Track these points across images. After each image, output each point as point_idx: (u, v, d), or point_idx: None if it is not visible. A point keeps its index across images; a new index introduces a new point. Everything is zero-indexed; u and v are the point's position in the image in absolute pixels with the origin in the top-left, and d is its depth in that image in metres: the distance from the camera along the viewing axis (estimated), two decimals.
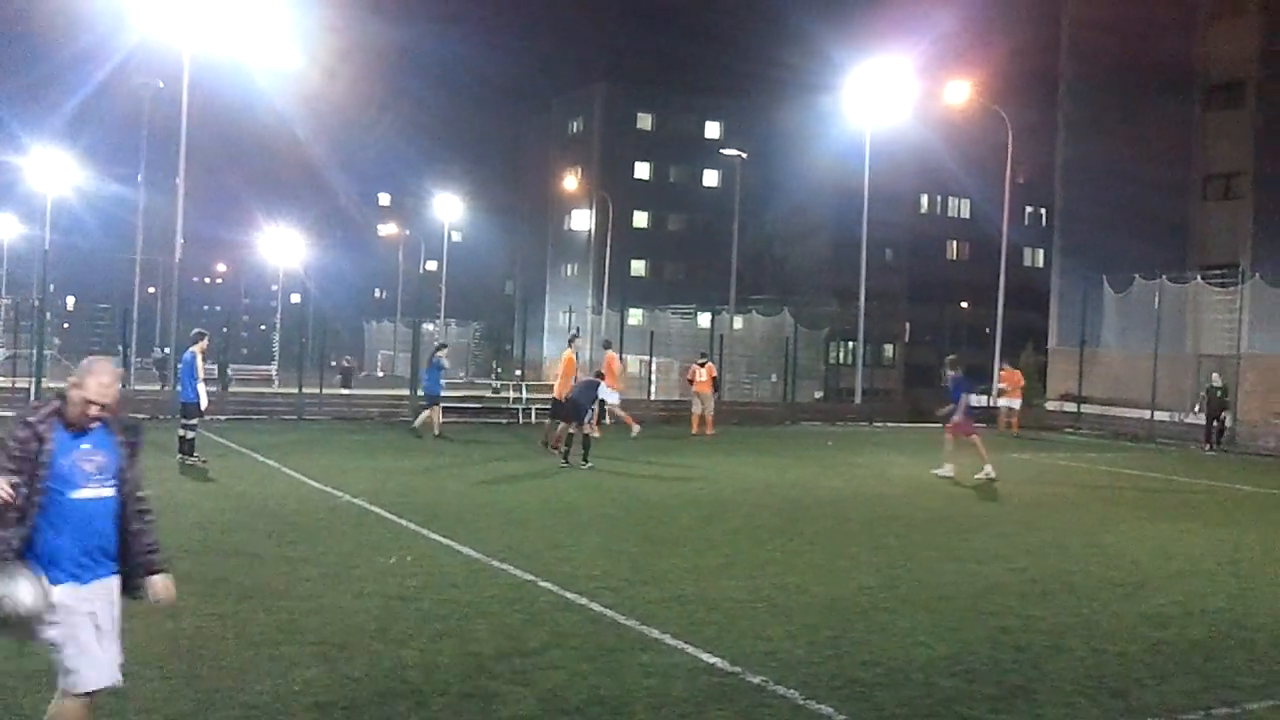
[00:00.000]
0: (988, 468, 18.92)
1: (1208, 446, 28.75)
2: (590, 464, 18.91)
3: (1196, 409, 30.30)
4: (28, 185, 61.27)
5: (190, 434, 17.67)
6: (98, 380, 5.01)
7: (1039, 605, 9.68)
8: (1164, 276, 34.43)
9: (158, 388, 30.50)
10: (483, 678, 7.04)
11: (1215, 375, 29.83)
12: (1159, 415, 32.48)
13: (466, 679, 7.01)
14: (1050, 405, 39.27)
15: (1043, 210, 76.12)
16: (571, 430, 19.46)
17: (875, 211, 42.01)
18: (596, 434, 21.40)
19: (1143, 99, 44.23)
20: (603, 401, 23.17)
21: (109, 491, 5.07)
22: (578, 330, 29.44)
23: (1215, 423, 29.09)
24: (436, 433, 24.03)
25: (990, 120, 49.81)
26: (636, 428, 25.44)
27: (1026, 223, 78.75)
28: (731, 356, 40.01)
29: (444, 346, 27.21)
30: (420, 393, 26.52)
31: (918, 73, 43.95)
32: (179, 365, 19.59)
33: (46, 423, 4.95)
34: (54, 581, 4.85)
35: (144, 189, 47.70)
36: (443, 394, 25.38)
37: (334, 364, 48.72)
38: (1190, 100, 44.86)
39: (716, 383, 29.93)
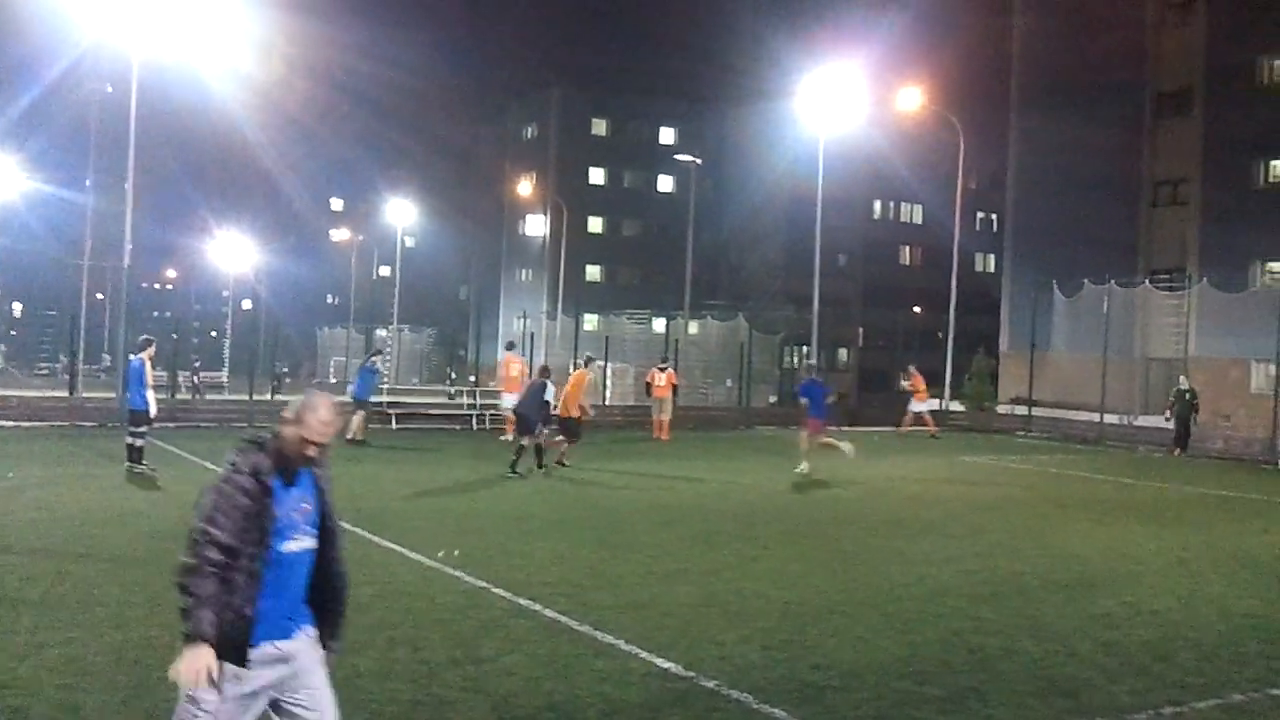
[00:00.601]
0: (805, 465, 20.24)
1: (1178, 451, 28.23)
2: (520, 474, 18.32)
3: (1166, 415, 29.69)
4: None
5: (139, 441, 17.44)
6: (318, 417, 4.53)
7: (989, 607, 9.76)
8: (1113, 281, 34.88)
9: (109, 395, 30.13)
10: (436, 685, 7.00)
11: (1183, 378, 29.47)
12: (1108, 418, 32.87)
13: (419, 687, 6.97)
14: (1001, 408, 39.66)
15: (994, 216, 76.88)
16: (524, 441, 18.93)
17: (829, 217, 42.22)
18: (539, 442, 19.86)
19: (1092, 106, 44.78)
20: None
21: (312, 542, 4.64)
22: (511, 343, 28.94)
23: (1184, 427, 28.56)
24: (358, 437, 23.34)
25: (942, 127, 50.28)
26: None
27: (978, 228, 79.56)
28: (687, 362, 40.08)
29: (379, 352, 26.87)
30: (350, 398, 25.11)
31: (870, 79, 44.23)
32: (126, 372, 19.33)
33: (267, 469, 4.45)
34: (256, 640, 4.43)
35: (92, 194, 47.18)
36: (373, 399, 24.91)
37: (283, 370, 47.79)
38: (1139, 108, 45.46)
39: (676, 389, 29.97)
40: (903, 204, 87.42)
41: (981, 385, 42.92)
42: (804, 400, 21.08)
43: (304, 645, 4.63)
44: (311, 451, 4.53)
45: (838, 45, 50.19)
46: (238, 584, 4.33)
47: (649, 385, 29.54)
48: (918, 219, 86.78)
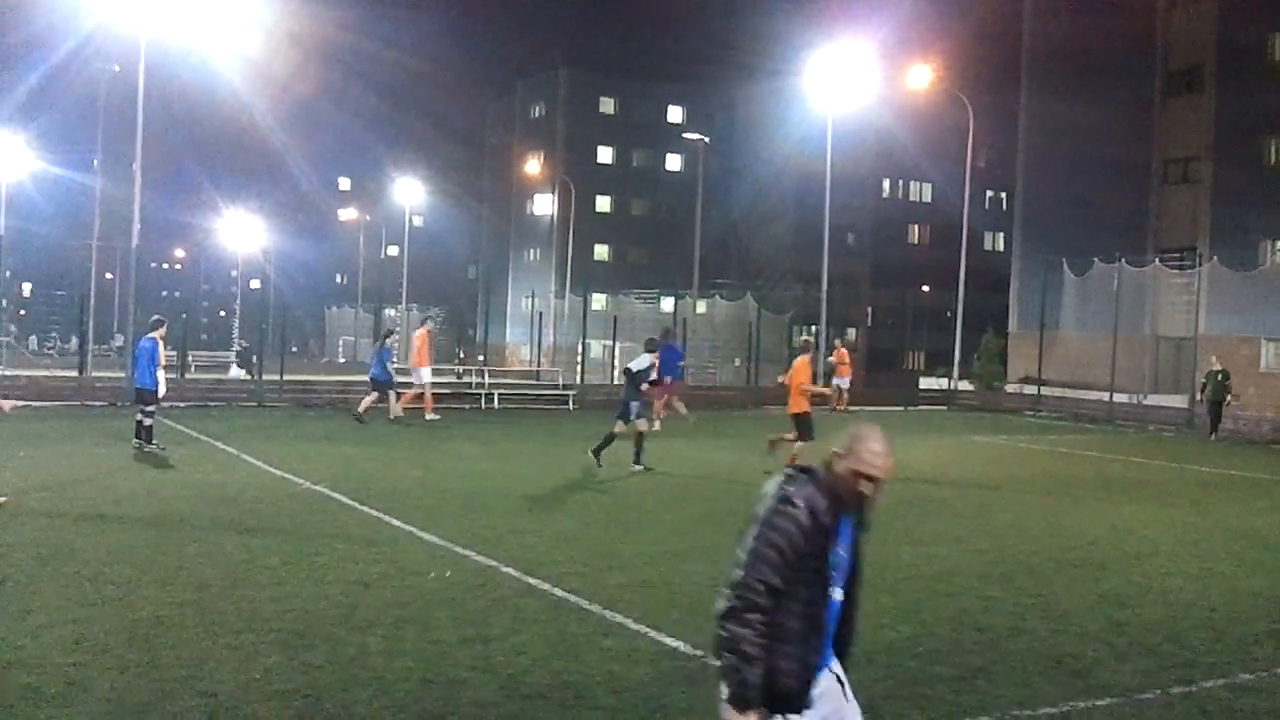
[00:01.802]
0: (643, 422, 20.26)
1: (1213, 436, 27.29)
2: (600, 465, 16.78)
3: (1199, 397, 28.78)
4: None
5: (149, 420, 17.49)
6: (870, 449, 4.08)
7: (999, 587, 9.76)
8: (1123, 260, 34.75)
9: (119, 375, 30.18)
10: (445, 664, 7.02)
11: (1214, 359, 28.27)
12: (1118, 397, 32.80)
13: (429, 665, 6.98)
14: (1010, 388, 39.59)
15: (1003, 194, 76.65)
16: (616, 430, 17.01)
17: (838, 196, 42.12)
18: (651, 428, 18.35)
19: (1102, 84, 44.55)
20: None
21: (840, 593, 4.21)
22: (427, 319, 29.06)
23: (1218, 410, 27.51)
24: (362, 410, 23.57)
25: (951, 105, 50.05)
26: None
27: (987, 207, 79.29)
28: (695, 341, 40.05)
29: (391, 333, 26.90)
30: (369, 377, 25.38)
31: (879, 58, 44.05)
32: (135, 352, 19.38)
33: (824, 507, 4.03)
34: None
35: (100, 174, 47.16)
36: (394, 379, 24.82)
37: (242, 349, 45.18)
38: (1149, 85, 45.23)
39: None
40: (912, 182, 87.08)
41: (990, 365, 42.80)
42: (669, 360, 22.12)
43: (833, 684, 4.24)
44: (866, 489, 4.08)
45: (846, 23, 49.89)
46: (792, 632, 3.96)
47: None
48: (927, 197, 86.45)
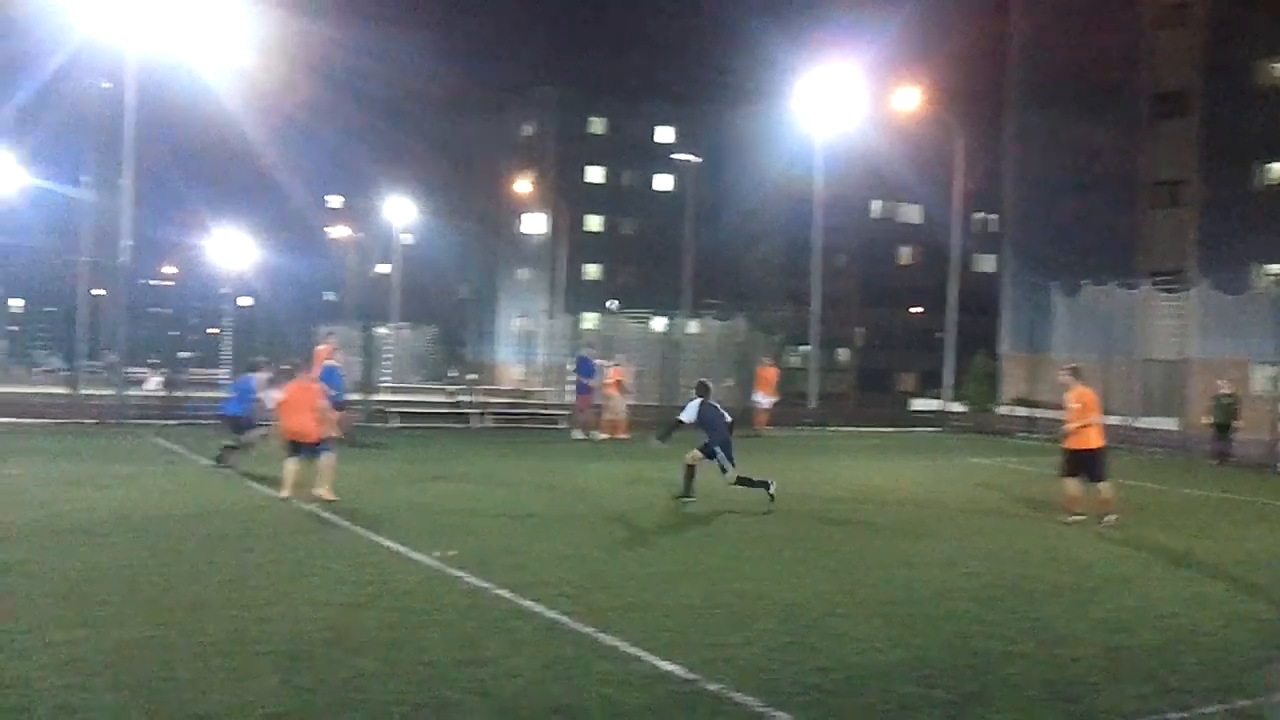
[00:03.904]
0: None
1: (1216, 461, 26.35)
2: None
3: (1205, 420, 27.76)
4: None
5: (234, 446, 18.22)
6: None
7: (993, 610, 9.73)
8: (1113, 283, 34.85)
9: (109, 392, 30.03)
10: (439, 687, 6.97)
11: (1222, 383, 27.44)
12: (1109, 420, 32.76)
13: (423, 688, 6.92)
14: (1002, 410, 39.64)
15: (993, 216, 76.89)
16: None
17: (828, 217, 42.22)
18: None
19: (1090, 107, 44.81)
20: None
21: None
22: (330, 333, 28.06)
23: (1225, 436, 26.61)
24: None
25: (940, 127, 50.23)
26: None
27: (977, 229, 79.55)
28: (686, 361, 39.99)
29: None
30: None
31: (867, 79, 44.21)
32: (237, 385, 19.87)
33: None
34: None
35: (90, 190, 47.07)
36: (345, 398, 23.44)
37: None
38: (1136, 109, 45.49)
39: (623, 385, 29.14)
40: (901, 204, 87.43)
41: (981, 386, 42.89)
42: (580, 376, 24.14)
43: None
44: None
45: (834, 45, 50.18)
46: None
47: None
48: (916, 219, 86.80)
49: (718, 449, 15.54)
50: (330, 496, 14.42)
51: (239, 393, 19.27)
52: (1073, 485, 15.58)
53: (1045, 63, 47.83)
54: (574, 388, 29.02)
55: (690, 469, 15.53)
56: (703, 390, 16.12)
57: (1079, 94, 45.13)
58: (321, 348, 25.41)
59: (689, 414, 15.79)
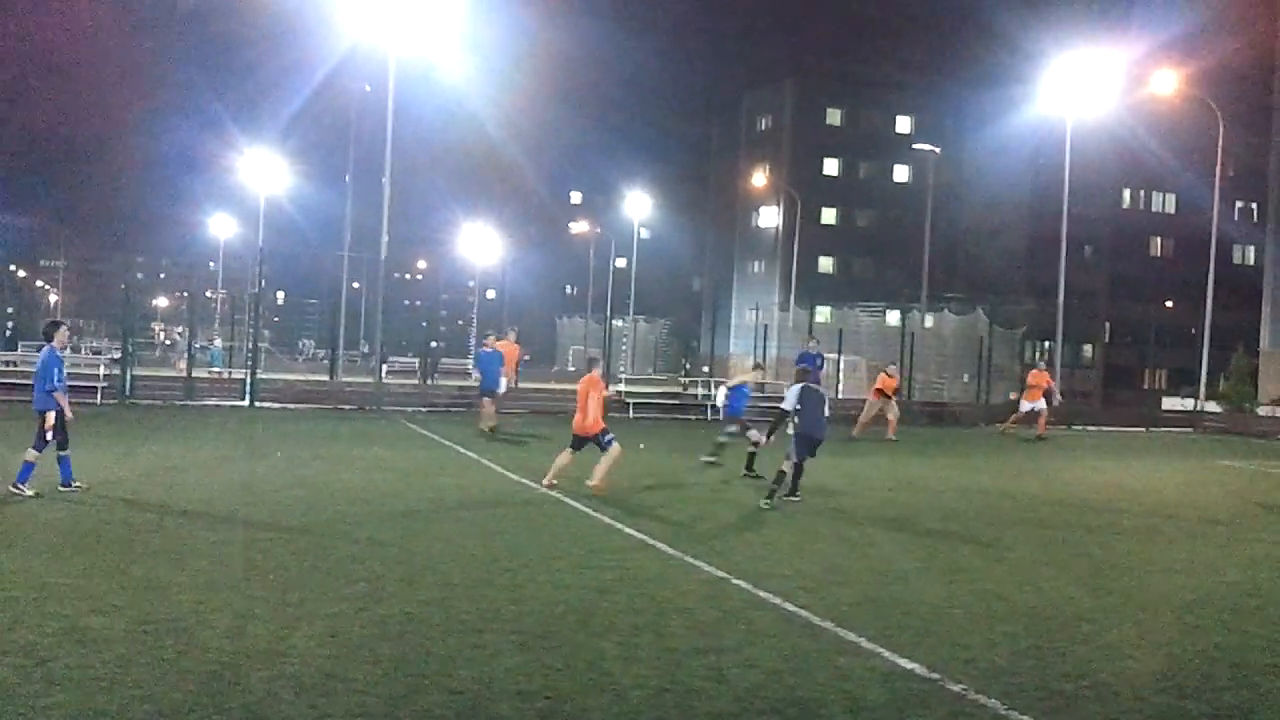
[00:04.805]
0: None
1: None
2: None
3: None
4: (243, 186, 64.78)
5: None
6: None
7: (1254, 621, 9.25)
8: None
9: (366, 380, 31.69)
10: (680, 673, 7.12)
11: None
12: None
13: (664, 674, 7.09)
14: (1262, 410, 37.37)
15: (1254, 205, 72.44)
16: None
17: (1074, 206, 40.65)
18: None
19: None
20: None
21: None
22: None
23: None
24: (488, 426, 22.53)
25: (1198, 111, 47.62)
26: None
27: (1236, 218, 74.99)
28: (922, 356, 39.30)
29: (490, 335, 25.77)
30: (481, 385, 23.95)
31: (1122, 62, 42.32)
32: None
33: None
34: None
35: (351, 189, 49.72)
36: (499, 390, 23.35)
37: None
38: None
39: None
40: (1154, 192, 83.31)
41: (1241, 385, 40.52)
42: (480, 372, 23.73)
43: None
44: None
45: (1085, 28, 48.15)
46: None
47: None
48: (1170, 208, 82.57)
49: (795, 440, 14.69)
50: (602, 487, 14.61)
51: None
52: None
53: None
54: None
55: (798, 467, 14.67)
56: (803, 375, 15.26)
57: None
58: (500, 342, 24.93)
59: (790, 400, 14.96)
